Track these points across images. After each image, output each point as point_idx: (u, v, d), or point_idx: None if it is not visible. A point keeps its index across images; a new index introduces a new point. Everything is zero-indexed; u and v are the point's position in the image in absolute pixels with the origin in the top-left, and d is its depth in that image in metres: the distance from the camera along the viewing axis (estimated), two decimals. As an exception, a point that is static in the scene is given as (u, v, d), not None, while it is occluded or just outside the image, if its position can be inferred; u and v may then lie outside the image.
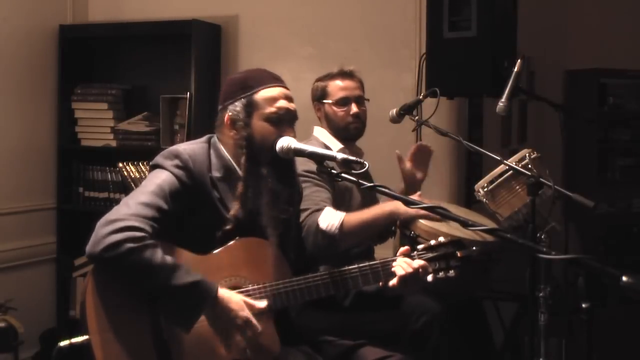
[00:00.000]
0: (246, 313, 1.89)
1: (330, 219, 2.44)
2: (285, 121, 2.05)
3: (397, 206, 2.46)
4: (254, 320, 1.90)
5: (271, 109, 2.04)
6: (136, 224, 1.84)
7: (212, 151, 2.06)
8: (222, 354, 1.92)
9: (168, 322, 1.87)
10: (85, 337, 1.85)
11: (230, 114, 2.06)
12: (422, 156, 2.73)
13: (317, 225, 2.43)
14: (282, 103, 2.05)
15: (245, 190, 2.01)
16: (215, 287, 1.87)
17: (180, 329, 1.86)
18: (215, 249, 1.99)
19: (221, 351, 1.92)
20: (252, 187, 2.01)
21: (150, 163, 2.06)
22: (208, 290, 1.86)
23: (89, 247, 1.83)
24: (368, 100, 2.84)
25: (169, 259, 1.84)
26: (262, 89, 2.06)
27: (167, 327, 1.88)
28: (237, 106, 2.05)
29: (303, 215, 2.43)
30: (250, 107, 2.04)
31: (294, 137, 2.04)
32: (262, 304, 1.94)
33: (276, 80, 2.11)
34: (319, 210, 2.47)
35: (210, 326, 1.90)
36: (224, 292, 1.89)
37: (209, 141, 2.10)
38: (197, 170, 1.99)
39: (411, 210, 2.38)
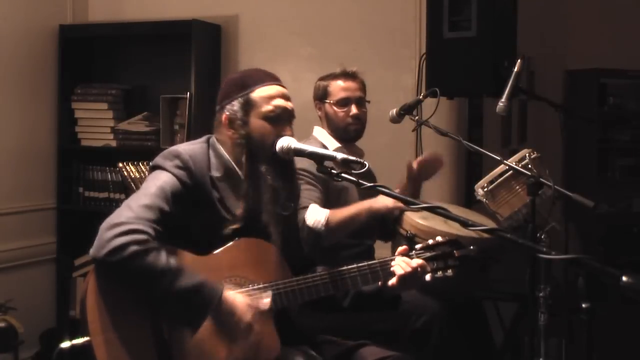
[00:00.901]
0: (249, 318, 1.89)
1: (315, 215, 2.53)
2: (282, 120, 2.05)
3: (374, 201, 2.58)
4: (255, 326, 1.90)
5: (268, 107, 2.04)
6: (140, 227, 1.84)
7: (211, 151, 2.06)
8: (222, 355, 1.92)
9: (175, 324, 1.87)
10: (86, 338, 1.85)
11: (227, 113, 2.06)
12: (431, 166, 2.75)
13: (304, 221, 2.50)
14: (279, 101, 2.05)
15: (247, 189, 2.01)
16: (220, 289, 1.87)
17: (187, 330, 1.87)
18: (216, 250, 1.98)
19: (221, 352, 1.92)
20: (253, 186, 2.02)
21: (150, 164, 2.06)
22: (213, 291, 1.86)
23: (93, 251, 1.83)
24: (369, 102, 2.84)
25: (172, 261, 1.84)
26: (259, 87, 2.07)
27: (168, 327, 1.88)
28: (235, 105, 2.06)
29: None
30: (248, 106, 2.05)
31: (292, 135, 2.05)
32: (265, 302, 1.94)
33: (273, 79, 2.11)
34: (305, 207, 2.52)
35: (215, 326, 1.90)
36: (228, 294, 1.89)
37: (207, 141, 2.10)
38: (198, 171, 1.99)
39: (388, 203, 2.53)
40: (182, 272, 1.84)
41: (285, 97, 2.08)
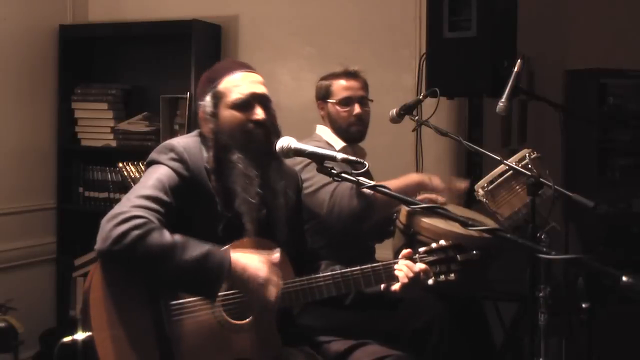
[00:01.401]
0: (265, 270, 1.90)
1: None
2: (251, 104, 2.05)
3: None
4: (274, 277, 1.91)
5: (234, 95, 2.05)
6: (138, 213, 1.85)
7: (202, 144, 2.07)
8: (224, 350, 1.92)
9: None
10: (88, 333, 1.85)
11: (201, 110, 2.09)
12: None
13: (355, 186, 2.41)
14: (245, 87, 2.06)
15: (219, 182, 2.01)
16: (228, 253, 1.89)
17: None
18: (217, 244, 1.98)
19: (222, 347, 1.92)
20: (225, 177, 2.01)
21: (146, 160, 2.06)
22: (222, 256, 1.87)
23: (97, 245, 1.84)
24: (372, 100, 2.84)
25: (176, 236, 1.86)
26: (225, 77, 2.08)
27: (170, 323, 1.88)
28: (206, 100, 2.08)
29: (331, 187, 2.44)
30: (217, 98, 2.07)
31: (264, 115, 2.05)
32: (275, 257, 1.95)
33: (241, 67, 2.12)
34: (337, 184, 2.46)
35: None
36: (237, 255, 1.90)
37: (199, 134, 2.11)
38: (193, 162, 2.00)
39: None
40: (188, 243, 1.85)
41: (253, 82, 2.08)
